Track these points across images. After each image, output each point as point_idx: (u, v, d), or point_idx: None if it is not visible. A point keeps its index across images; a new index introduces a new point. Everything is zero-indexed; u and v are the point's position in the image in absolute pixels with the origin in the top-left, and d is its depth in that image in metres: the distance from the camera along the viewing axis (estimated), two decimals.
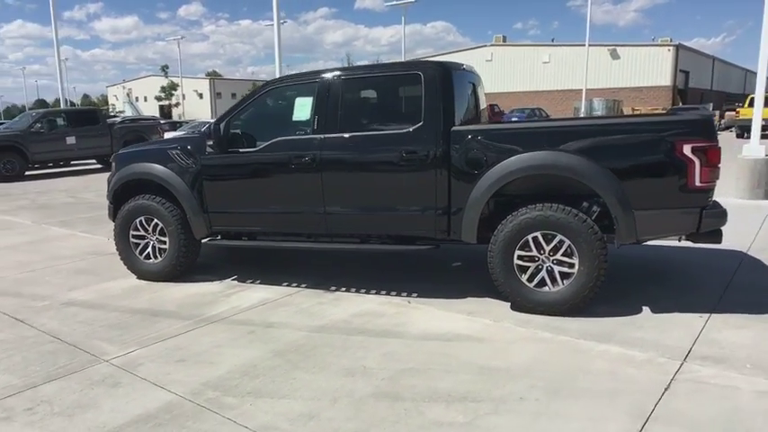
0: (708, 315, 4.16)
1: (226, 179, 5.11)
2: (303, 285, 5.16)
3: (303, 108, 4.87)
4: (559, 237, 4.13)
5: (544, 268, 4.24)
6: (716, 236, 4.15)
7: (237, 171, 5.05)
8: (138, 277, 5.47)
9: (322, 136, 4.72)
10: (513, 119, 31.78)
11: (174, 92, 65.15)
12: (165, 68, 75.41)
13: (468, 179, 4.34)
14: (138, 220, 5.38)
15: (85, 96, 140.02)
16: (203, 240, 5.41)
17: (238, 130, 5.05)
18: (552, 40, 54.04)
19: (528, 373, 3.36)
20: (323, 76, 4.86)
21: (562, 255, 4.17)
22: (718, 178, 3.97)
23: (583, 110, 34.06)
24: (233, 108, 5.17)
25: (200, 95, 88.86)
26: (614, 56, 42.03)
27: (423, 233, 4.59)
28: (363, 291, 4.96)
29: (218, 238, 5.41)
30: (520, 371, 3.39)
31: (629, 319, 4.16)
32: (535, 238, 4.20)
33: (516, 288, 4.28)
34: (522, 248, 4.24)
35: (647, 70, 41.71)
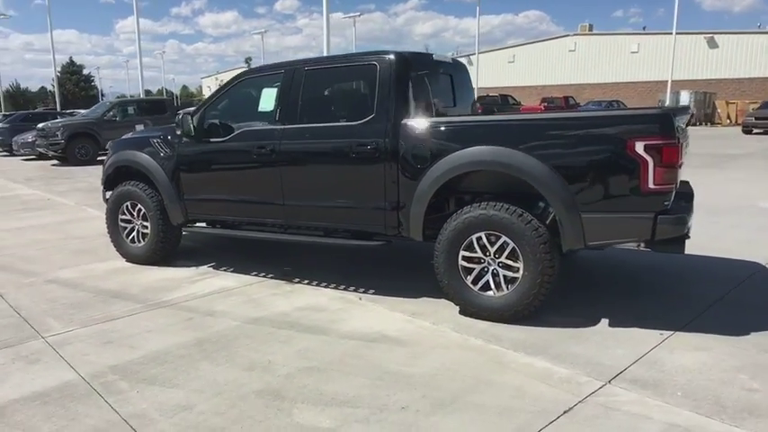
0: (671, 333, 3.74)
1: (198, 167, 5.20)
2: (270, 275, 5.18)
3: (269, 99, 4.85)
4: (504, 238, 3.86)
5: (489, 271, 3.99)
6: (677, 245, 3.71)
7: (208, 160, 5.14)
8: (127, 260, 5.71)
9: (282, 127, 4.70)
10: None
11: None
12: (248, 60, 78.32)
13: (415, 174, 4.15)
14: (125, 205, 5.61)
15: (184, 87, 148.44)
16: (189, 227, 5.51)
17: (214, 120, 5.12)
18: (644, 29, 50.91)
19: (429, 382, 3.17)
20: (288, 66, 4.83)
21: (506, 258, 3.90)
22: (676, 181, 3.54)
23: (668, 102, 31.79)
24: (210, 97, 5.27)
25: None
26: (712, 44, 38.79)
27: (374, 228, 4.45)
28: (324, 284, 4.89)
29: (204, 225, 5.52)
30: (423, 379, 3.21)
31: (578, 331, 3.82)
32: (479, 239, 3.96)
33: (460, 291, 4.06)
34: (466, 249, 4.01)
35: (749, 60, 38.14)
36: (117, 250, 5.78)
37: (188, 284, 5.00)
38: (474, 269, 4.02)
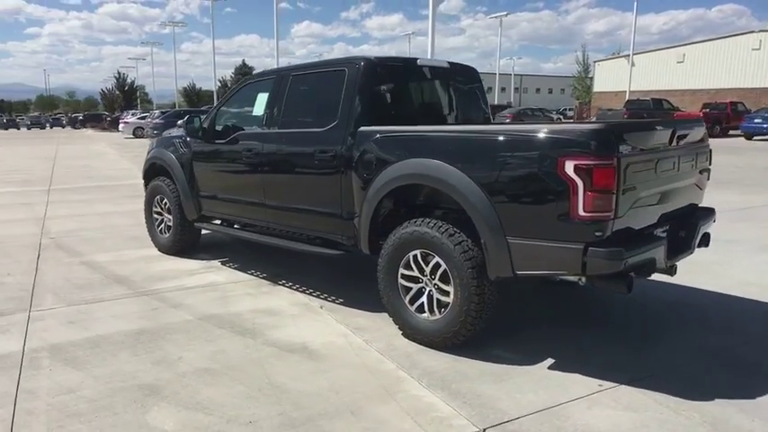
0: (613, 386, 3.20)
1: (205, 166, 5.52)
2: (263, 275, 5.33)
3: (261, 103, 5.00)
4: (437, 258, 3.59)
5: (425, 293, 3.73)
6: (618, 284, 3.15)
7: (212, 159, 5.43)
8: (158, 249, 6.24)
9: (265, 131, 4.82)
10: (757, 120, 26.52)
11: None
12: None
13: (365, 184, 4.01)
14: (156, 198, 6.14)
15: None
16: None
17: (220, 122, 5.41)
18: None
19: (300, 400, 3.05)
20: (279, 72, 4.95)
21: (439, 279, 3.62)
22: (610, 209, 2.99)
23: None
24: (221, 100, 5.57)
25: None
26: None
27: (334, 237, 4.38)
28: (303, 289, 4.92)
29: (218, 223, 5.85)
30: (299, 396, 3.10)
31: (509, 368, 3.43)
32: (416, 257, 3.72)
33: (398, 309, 3.86)
34: (405, 267, 3.80)
35: None
36: (151, 240, 6.33)
37: (186, 276, 5.34)
38: (412, 288, 3.79)
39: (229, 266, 5.67)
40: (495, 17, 53.29)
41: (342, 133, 4.16)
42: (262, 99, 4.99)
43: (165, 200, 5.98)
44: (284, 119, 4.71)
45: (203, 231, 6.05)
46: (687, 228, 3.79)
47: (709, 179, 4.20)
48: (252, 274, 5.40)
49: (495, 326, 3.97)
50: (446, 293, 3.58)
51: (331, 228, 4.36)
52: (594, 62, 58.26)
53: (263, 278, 5.27)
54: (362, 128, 4.08)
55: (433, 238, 3.55)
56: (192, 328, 4.08)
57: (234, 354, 3.65)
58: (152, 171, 6.23)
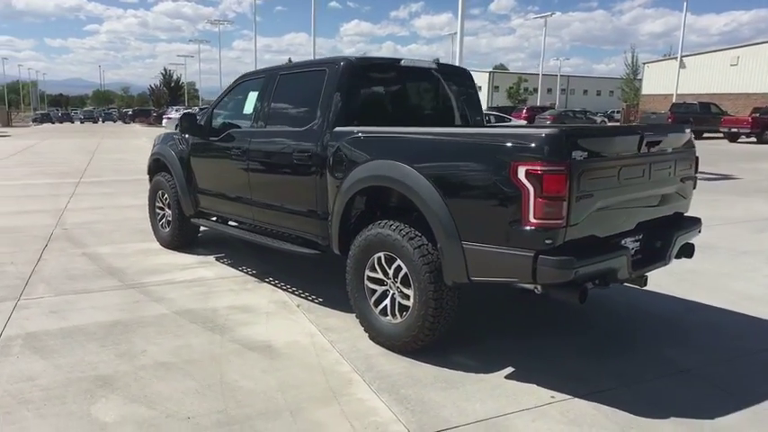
0: (565, 398, 3.10)
1: (201, 163, 5.61)
2: (252, 272, 5.39)
3: (251, 101, 5.05)
4: (398, 261, 3.55)
5: (389, 296, 3.69)
6: (570, 293, 3.04)
7: (207, 156, 5.51)
8: (159, 243, 6.39)
9: (253, 129, 4.87)
10: None
11: None
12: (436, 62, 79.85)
13: (337, 185, 3.99)
14: (158, 193, 6.28)
15: None
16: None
17: (215, 119, 5.49)
18: None
19: (246, 399, 3.06)
20: (269, 71, 4.99)
21: (401, 283, 3.58)
22: (561, 216, 2.88)
23: None
24: (218, 98, 5.65)
25: (479, 88, 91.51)
26: None
27: (311, 236, 4.38)
28: (287, 287, 4.95)
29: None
30: (245, 394, 3.12)
31: (464, 376, 3.36)
32: (380, 260, 3.69)
33: (363, 311, 3.83)
34: (370, 269, 3.77)
35: None
36: (154, 234, 6.49)
37: (178, 270, 5.44)
38: (377, 291, 3.76)
39: (222, 262, 5.75)
40: (541, 17, 52.37)
41: (319, 133, 4.15)
42: (252, 97, 5.04)
43: (166, 195, 6.11)
44: (270, 117, 4.74)
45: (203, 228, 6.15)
46: (663, 238, 3.63)
47: (695, 187, 4.02)
48: (242, 270, 5.47)
49: (462, 333, 3.92)
50: (407, 297, 3.54)
51: (308, 227, 4.36)
52: (644, 64, 56.55)
53: (252, 275, 5.32)
54: (337, 128, 4.07)
55: (395, 240, 3.51)
56: (165, 322, 4.15)
57: (197, 349, 3.70)
58: (155, 166, 6.37)
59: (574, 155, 2.88)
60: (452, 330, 3.89)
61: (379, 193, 3.84)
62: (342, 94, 4.14)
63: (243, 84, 5.37)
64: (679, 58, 36.74)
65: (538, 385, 3.24)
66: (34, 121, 66.66)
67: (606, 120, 49.61)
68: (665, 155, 3.54)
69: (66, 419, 2.85)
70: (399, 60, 4.52)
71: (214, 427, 2.81)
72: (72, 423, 2.82)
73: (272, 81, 4.82)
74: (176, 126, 5.95)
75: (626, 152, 3.22)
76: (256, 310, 4.42)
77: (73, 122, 69.44)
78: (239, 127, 5.11)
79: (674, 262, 5.85)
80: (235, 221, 5.46)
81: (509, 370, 3.44)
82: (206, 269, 5.51)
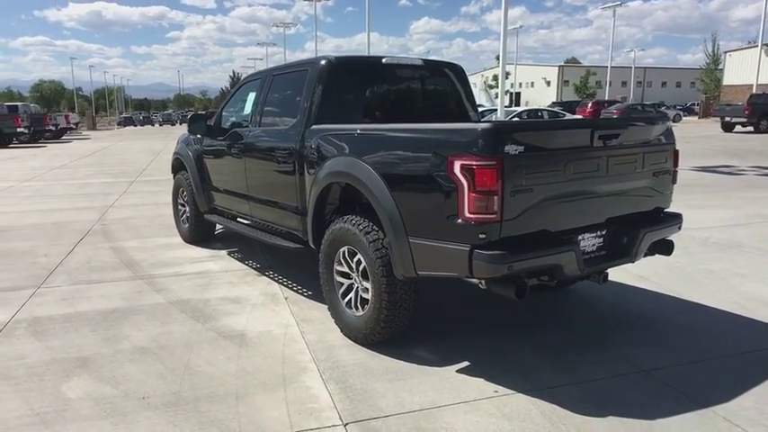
0: (509, 393, 3.10)
1: (211, 162, 5.90)
2: (257, 266, 5.64)
3: (250, 102, 5.29)
4: (359, 255, 3.65)
5: (354, 289, 3.80)
6: (508, 288, 3.01)
7: (212, 155, 5.80)
8: (181, 238, 6.77)
9: (249, 129, 5.10)
10: None
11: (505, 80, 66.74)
12: (497, 58, 78.16)
13: (311, 181, 4.13)
14: (180, 191, 6.66)
15: None
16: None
17: (222, 119, 5.77)
18: None
19: (202, 383, 3.26)
20: (265, 72, 5.20)
21: (361, 276, 3.68)
22: (494, 210, 2.87)
23: None
24: (227, 98, 5.93)
25: (548, 83, 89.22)
26: None
27: (294, 231, 4.54)
28: (283, 279, 5.17)
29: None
30: (203, 379, 3.31)
31: (415, 368, 3.42)
32: (344, 253, 3.80)
33: (333, 304, 3.96)
34: (338, 263, 3.88)
35: None
36: (177, 229, 6.88)
37: (188, 263, 5.77)
38: (344, 284, 3.87)
39: (232, 256, 6.03)
40: (609, 7, 50.44)
41: (298, 131, 4.31)
42: (251, 98, 5.27)
43: (185, 192, 6.47)
44: (264, 117, 4.95)
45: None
46: (629, 234, 3.52)
47: (675, 181, 3.86)
48: (247, 264, 5.72)
49: (429, 327, 3.98)
50: (367, 290, 3.63)
51: (292, 222, 4.53)
52: (725, 53, 53.25)
53: (255, 268, 5.56)
54: (313, 126, 4.21)
55: (354, 235, 3.60)
56: (158, 310, 4.44)
57: (175, 336, 3.95)
58: (177, 166, 6.75)
59: (507, 149, 2.87)
60: (420, 324, 3.97)
61: (349, 188, 3.94)
62: (321, 93, 4.27)
63: (246, 84, 5.61)
64: (760, 46, 34.28)
65: (486, 380, 3.25)
66: (118, 124, 71.10)
67: (680, 113, 47.10)
68: (628, 148, 3.43)
69: (37, 394, 3.15)
70: (382, 58, 4.59)
71: (163, 406, 3.02)
72: (41, 397, 3.11)
73: (266, 82, 5.03)
74: None
75: (573, 146, 3.16)
76: (245, 301, 4.64)
77: (153, 125, 73.51)
78: (241, 127, 5.35)
79: (689, 261, 5.65)
80: (240, 218, 5.71)
81: (463, 364, 3.46)
82: (214, 262, 5.80)
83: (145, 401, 3.07)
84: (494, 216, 2.89)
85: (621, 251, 3.53)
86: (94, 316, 4.32)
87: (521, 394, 3.08)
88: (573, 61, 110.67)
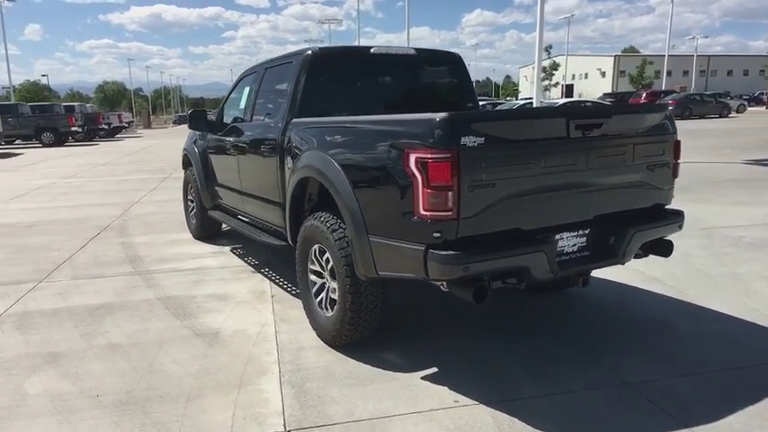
0: (471, 404, 2.89)
1: (213, 158, 5.88)
2: (255, 263, 5.59)
3: (245, 96, 5.22)
4: (328, 253, 3.50)
5: (325, 288, 3.66)
6: (464, 290, 2.79)
7: (215, 151, 5.77)
8: (191, 234, 6.80)
9: (242, 124, 5.03)
10: None
11: (554, 72, 64.87)
12: (548, 49, 75.93)
13: (289, 175, 4.01)
14: (188, 187, 6.69)
15: (507, 77, 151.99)
16: None
17: (223, 115, 5.74)
18: None
19: (158, 383, 3.20)
20: (259, 66, 5.12)
21: (330, 275, 3.53)
22: (448, 208, 2.65)
23: None
24: (227, 94, 5.89)
25: (603, 74, 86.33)
26: None
27: (278, 227, 4.44)
28: (275, 276, 5.09)
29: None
30: (161, 378, 3.26)
31: (382, 373, 3.25)
32: (315, 251, 3.66)
33: (307, 302, 3.84)
34: (311, 261, 3.75)
35: None
36: (187, 225, 6.93)
37: (189, 259, 5.78)
38: (317, 283, 3.74)
39: (234, 252, 6.01)
40: None
41: (281, 125, 4.19)
42: (245, 92, 5.21)
43: (192, 188, 6.49)
44: (255, 111, 4.88)
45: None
46: (617, 234, 3.22)
47: (676, 175, 3.52)
48: (247, 261, 5.67)
49: (406, 330, 3.82)
50: (335, 291, 3.48)
51: (276, 218, 4.42)
52: None
53: (253, 265, 5.51)
54: (294, 119, 4.08)
55: (322, 232, 3.46)
56: (143, 306, 4.43)
57: (150, 333, 3.91)
58: (186, 162, 6.78)
59: (464, 141, 2.65)
60: (401, 327, 3.81)
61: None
62: (303, 85, 4.14)
63: (243, 78, 5.55)
64: None
65: (450, 388, 3.05)
66: (174, 122, 73.41)
67: (745, 103, 44.57)
68: (614, 139, 3.14)
69: (2, 389, 3.16)
70: (369, 48, 4.42)
71: (113, 405, 2.97)
72: (1, 392, 3.12)
73: (259, 75, 4.95)
74: None
75: (545, 137, 2.90)
76: (231, 298, 4.58)
77: None
78: (236, 121, 5.29)
79: (714, 262, 5.22)
80: (239, 215, 5.66)
81: (431, 371, 3.26)
82: (214, 259, 5.78)
83: (97, 400, 3.03)
84: (449, 213, 2.68)
85: (607, 252, 3.24)
86: (82, 311, 4.35)
87: (482, 405, 2.86)
88: (631, 50, 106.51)
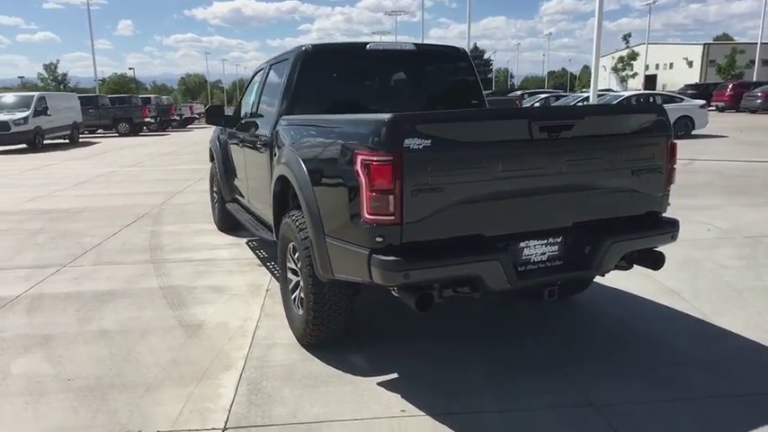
0: (418, 414, 2.80)
1: (228, 152, 6.01)
2: (264, 256, 5.67)
3: (253, 92, 5.29)
4: (298, 251, 3.50)
5: (299, 287, 3.65)
6: (408, 296, 2.69)
7: (229, 145, 5.89)
8: (216, 225, 7.00)
9: (248, 119, 5.11)
10: None
11: (633, 61, 61.53)
12: (626, 37, 71.93)
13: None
14: (213, 179, 6.88)
15: (585, 68, 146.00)
16: None
17: (241, 110, 5.84)
18: None
19: (130, 373, 3.32)
20: (267, 62, 5.17)
21: (301, 274, 3.52)
22: (389, 212, 2.56)
23: None
24: (245, 89, 5.99)
25: (690, 63, 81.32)
26: None
27: (271, 223, 4.47)
28: (278, 272, 5.13)
29: None
30: (130, 367, 3.37)
31: (342, 376, 3.23)
32: (291, 249, 3.67)
33: (286, 299, 3.85)
34: (288, 258, 3.76)
35: None
36: (212, 217, 7.14)
37: (205, 250, 5.95)
38: (293, 281, 3.75)
39: (249, 245, 6.12)
40: None
41: (273, 121, 4.22)
42: (255, 88, 5.28)
43: (215, 180, 6.67)
44: (260, 107, 4.93)
45: None
46: (594, 243, 3.01)
47: (671, 181, 3.24)
48: (258, 253, 5.77)
49: (387, 333, 3.81)
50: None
51: (269, 213, 4.45)
52: None
53: (262, 258, 5.59)
54: (284, 116, 4.09)
55: (293, 231, 3.46)
56: (144, 295, 4.60)
57: (141, 321, 4.06)
58: (211, 155, 6.97)
59: (408, 143, 2.55)
60: (374, 328, 3.77)
61: None
62: (296, 82, 4.15)
63: (255, 75, 5.62)
64: None
65: (402, 396, 2.97)
66: None
67: None
68: (590, 142, 2.93)
69: None
70: (366, 44, 4.35)
71: (79, 390, 3.11)
72: None
73: (265, 72, 4.99)
74: None
75: (502, 139, 2.74)
76: (228, 291, 4.67)
77: None
78: (246, 117, 5.37)
79: (745, 274, 4.80)
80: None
81: (391, 376, 3.19)
82: (228, 250, 5.92)
83: (68, 384, 3.18)
84: (392, 218, 2.60)
85: (581, 262, 3.04)
86: (88, 297, 4.57)
87: (428, 417, 2.77)
88: (724, 38, 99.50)
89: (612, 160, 3.00)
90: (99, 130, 27.51)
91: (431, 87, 4.59)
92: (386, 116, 2.60)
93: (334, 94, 4.29)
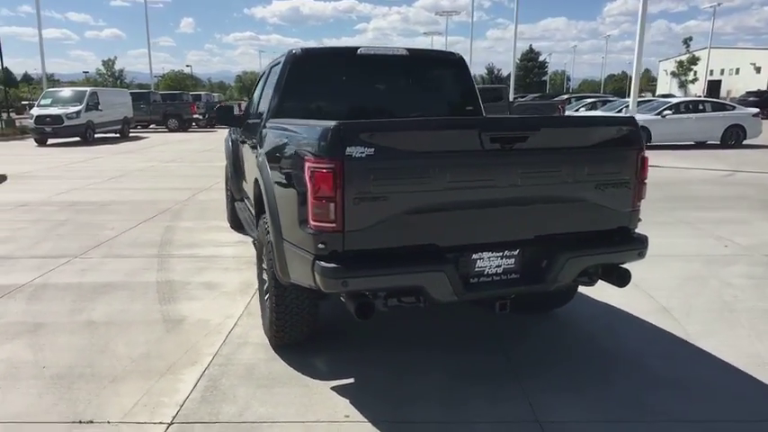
0: (361, 420, 2.81)
1: (238, 150, 6.15)
2: None
3: (257, 94, 5.41)
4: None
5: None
6: (351, 304, 2.70)
7: (236, 145, 6.03)
8: (228, 223, 7.18)
9: (249, 121, 5.22)
10: None
11: (693, 66, 58.99)
12: (687, 41, 68.92)
13: None
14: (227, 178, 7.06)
15: (646, 71, 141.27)
16: None
17: (249, 110, 5.97)
18: None
19: (105, 361, 3.47)
20: (270, 64, 5.27)
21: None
22: (330, 219, 2.58)
23: None
24: (254, 89, 6.12)
25: (758, 69, 77.42)
26: None
27: None
28: None
29: None
30: (112, 358, 3.52)
31: (299, 378, 3.28)
32: (264, 250, 3.73)
33: (261, 299, 3.92)
34: (262, 260, 3.83)
35: None
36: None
37: (211, 247, 6.12)
38: (266, 282, 3.81)
39: (255, 243, 6.23)
40: None
41: (262, 124, 4.31)
42: (258, 90, 5.39)
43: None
44: (259, 108, 5.02)
45: None
46: (551, 258, 2.94)
47: (641, 196, 3.13)
48: None
49: (359, 338, 3.81)
50: None
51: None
52: None
53: None
54: (270, 119, 4.17)
55: (261, 233, 3.53)
56: (140, 288, 4.78)
57: (128, 315, 4.22)
58: (226, 155, 7.15)
59: (350, 151, 2.57)
60: (343, 334, 3.80)
61: None
62: (284, 86, 4.22)
63: (260, 77, 5.73)
64: None
65: (351, 402, 2.99)
66: None
67: None
68: (549, 154, 2.86)
69: None
70: (356, 49, 4.38)
71: (50, 378, 3.27)
72: None
73: (268, 73, 5.09)
74: None
75: (451, 149, 2.72)
76: (218, 288, 4.79)
77: None
78: (248, 118, 5.48)
79: (749, 294, 4.55)
80: None
81: (346, 381, 3.22)
82: (232, 248, 6.06)
83: (41, 371, 3.35)
84: (333, 225, 2.63)
85: (536, 276, 2.97)
86: (87, 288, 4.78)
87: (369, 424, 2.78)
88: None
89: (573, 174, 2.92)
90: (151, 126, 28.59)
91: (422, 93, 4.57)
92: (331, 123, 2.63)
93: (322, 99, 4.34)
